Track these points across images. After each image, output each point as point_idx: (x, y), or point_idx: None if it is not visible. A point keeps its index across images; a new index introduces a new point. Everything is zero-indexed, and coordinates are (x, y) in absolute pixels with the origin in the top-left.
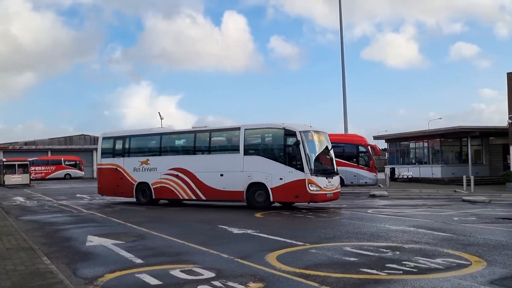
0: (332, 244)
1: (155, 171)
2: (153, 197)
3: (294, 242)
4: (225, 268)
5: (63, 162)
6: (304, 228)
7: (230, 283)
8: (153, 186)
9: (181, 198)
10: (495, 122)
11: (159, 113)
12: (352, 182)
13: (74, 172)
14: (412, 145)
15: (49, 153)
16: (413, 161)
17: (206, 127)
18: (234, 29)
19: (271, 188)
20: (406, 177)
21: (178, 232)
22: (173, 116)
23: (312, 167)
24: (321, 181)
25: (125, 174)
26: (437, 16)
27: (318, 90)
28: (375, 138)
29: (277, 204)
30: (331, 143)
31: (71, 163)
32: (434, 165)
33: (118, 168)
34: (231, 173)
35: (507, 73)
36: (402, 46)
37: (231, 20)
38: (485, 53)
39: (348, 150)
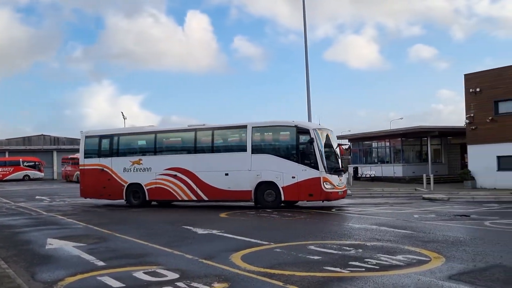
0: (297, 243)
1: (149, 171)
2: (147, 198)
3: (259, 241)
4: (189, 269)
5: (21, 163)
6: (269, 227)
7: (194, 284)
8: (147, 187)
9: (180, 199)
10: (453, 122)
11: (122, 112)
12: None
13: (34, 173)
14: (374, 144)
15: (7, 154)
16: (376, 160)
17: (204, 125)
18: (198, 28)
19: (282, 187)
20: (369, 176)
21: (141, 233)
22: (137, 116)
23: (326, 165)
24: (334, 179)
25: (113, 175)
26: (396, 18)
27: (282, 90)
28: (339, 137)
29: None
30: None
31: (30, 164)
32: (395, 164)
33: (105, 169)
34: (237, 172)
35: (465, 75)
36: (363, 47)
37: (194, 20)
38: (442, 55)
39: None
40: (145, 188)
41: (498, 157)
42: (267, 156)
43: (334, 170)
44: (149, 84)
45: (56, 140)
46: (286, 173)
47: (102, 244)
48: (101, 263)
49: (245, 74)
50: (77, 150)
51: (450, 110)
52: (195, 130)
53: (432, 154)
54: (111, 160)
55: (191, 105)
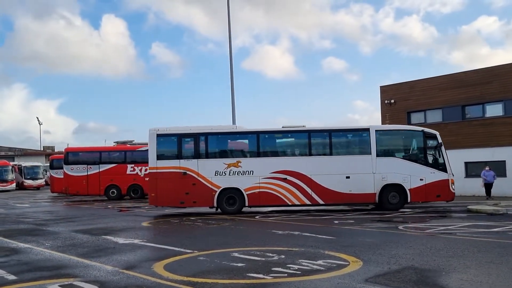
0: (221, 251)
1: (250, 175)
2: (246, 204)
3: (182, 250)
4: (109, 280)
5: None
6: (193, 235)
7: None
8: (248, 192)
9: (289, 203)
10: None
11: (37, 118)
12: None
13: None
14: None
15: None
16: None
17: (304, 126)
18: (114, 33)
19: (409, 189)
20: None
21: (58, 244)
22: (53, 121)
23: (451, 167)
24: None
25: (200, 179)
26: (308, 32)
27: (201, 98)
28: None
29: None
30: None
31: None
32: None
33: (188, 172)
34: (360, 175)
35: (380, 87)
36: (279, 58)
37: (110, 24)
38: (352, 68)
39: None
40: (244, 193)
41: None
42: (393, 159)
43: None
44: (66, 88)
45: None
46: (414, 175)
47: (14, 256)
48: (12, 277)
49: (163, 81)
50: None
51: (366, 120)
52: (309, 131)
53: None
54: (197, 162)
55: (110, 111)
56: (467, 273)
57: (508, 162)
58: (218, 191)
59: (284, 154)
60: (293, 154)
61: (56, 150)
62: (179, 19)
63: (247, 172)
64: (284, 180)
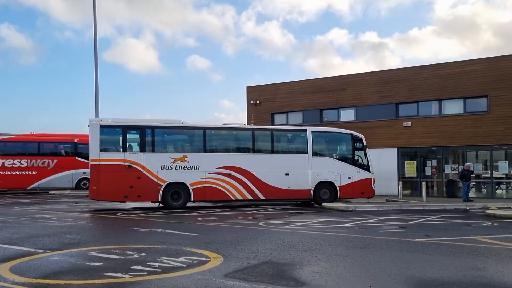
0: (76, 250)
1: (196, 170)
2: (191, 199)
3: (33, 250)
4: None
5: None
6: (46, 234)
7: None
8: (193, 187)
9: (233, 198)
10: None
11: None
12: None
13: None
14: None
15: None
16: None
17: (244, 125)
18: None
19: (339, 186)
20: None
21: None
22: None
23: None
24: None
25: (146, 172)
26: (172, 28)
27: (59, 88)
28: None
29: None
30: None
31: None
32: None
33: (133, 166)
34: (297, 172)
35: (247, 87)
36: (143, 52)
37: None
38: (216, 68)
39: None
40: (190, 188)
41: None
42: (327, 159)
43: None
44: None
45: None
46: (343, 174)
47: None
48: None
49: (14, 67)
50: None
51: (231, 119)
52: (253, 130)
53: None
54: (143, 155)
55: None
56: (318, 265)
57: None
58: (164, 185)
59: (229, 150)
60: (238, 151)
61: None
62: (32, 1)
63: (193, 167)
64: (229, 175)
